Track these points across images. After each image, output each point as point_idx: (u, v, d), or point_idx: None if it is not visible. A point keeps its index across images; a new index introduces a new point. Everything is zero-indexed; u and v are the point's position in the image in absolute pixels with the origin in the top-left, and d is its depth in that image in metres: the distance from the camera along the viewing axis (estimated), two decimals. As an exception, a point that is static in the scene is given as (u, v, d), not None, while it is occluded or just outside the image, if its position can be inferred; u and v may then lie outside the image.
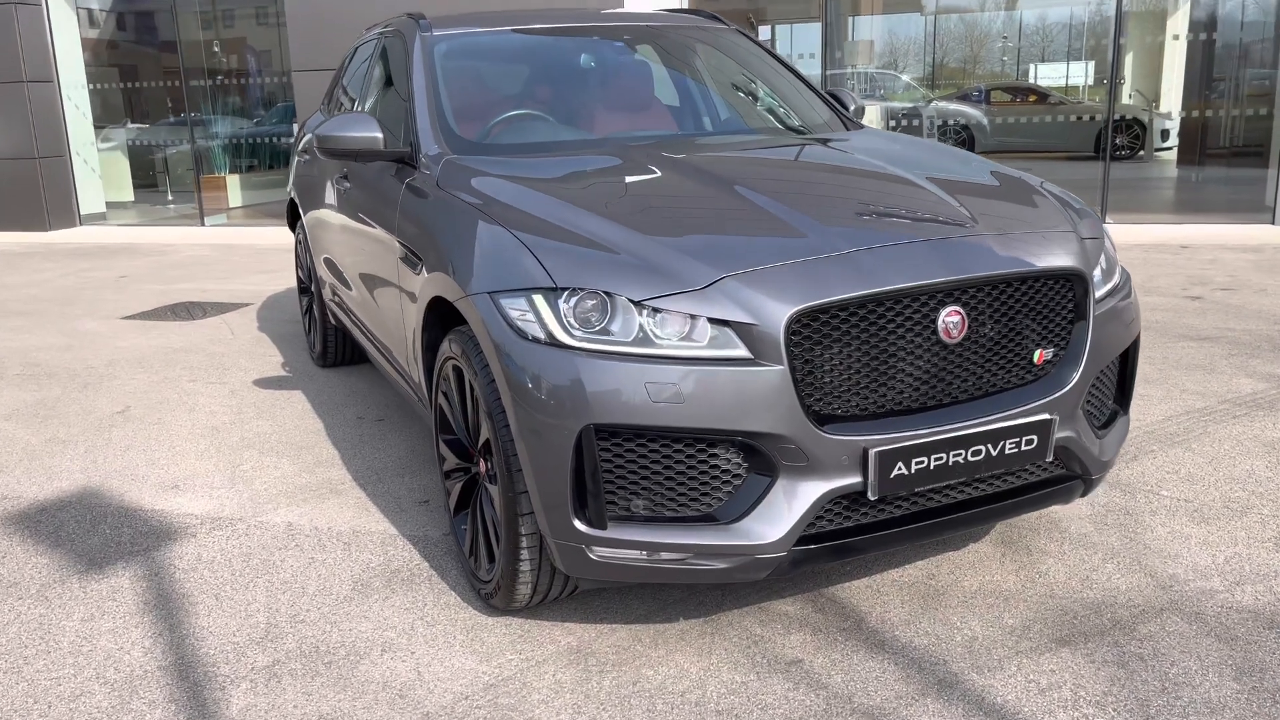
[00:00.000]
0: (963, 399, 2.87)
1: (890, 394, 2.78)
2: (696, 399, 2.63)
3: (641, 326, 2.67)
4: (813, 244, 2.81)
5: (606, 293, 2.70)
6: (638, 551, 2.76)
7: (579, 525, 2.75)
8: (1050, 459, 2.97)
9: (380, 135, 3.89)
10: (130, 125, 15.94)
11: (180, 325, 7.56)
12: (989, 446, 2.84)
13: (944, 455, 2.78)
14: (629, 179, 3.49)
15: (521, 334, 2.76)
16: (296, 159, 6.41)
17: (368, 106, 5.09)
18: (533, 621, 3.20)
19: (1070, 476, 3.12)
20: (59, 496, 4.36)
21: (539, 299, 2.75)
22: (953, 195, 3.18)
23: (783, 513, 2.72)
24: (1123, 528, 3.68)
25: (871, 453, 2.69)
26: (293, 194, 6.30)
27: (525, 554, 2.99)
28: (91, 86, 14.33)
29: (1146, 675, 2.82)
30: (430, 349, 3.55)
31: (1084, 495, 3.21)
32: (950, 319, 2.77)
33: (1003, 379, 2.93)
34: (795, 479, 2.71)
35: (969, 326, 2.82)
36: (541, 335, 2.73)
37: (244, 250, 11.32)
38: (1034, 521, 3.74)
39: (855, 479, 2.73)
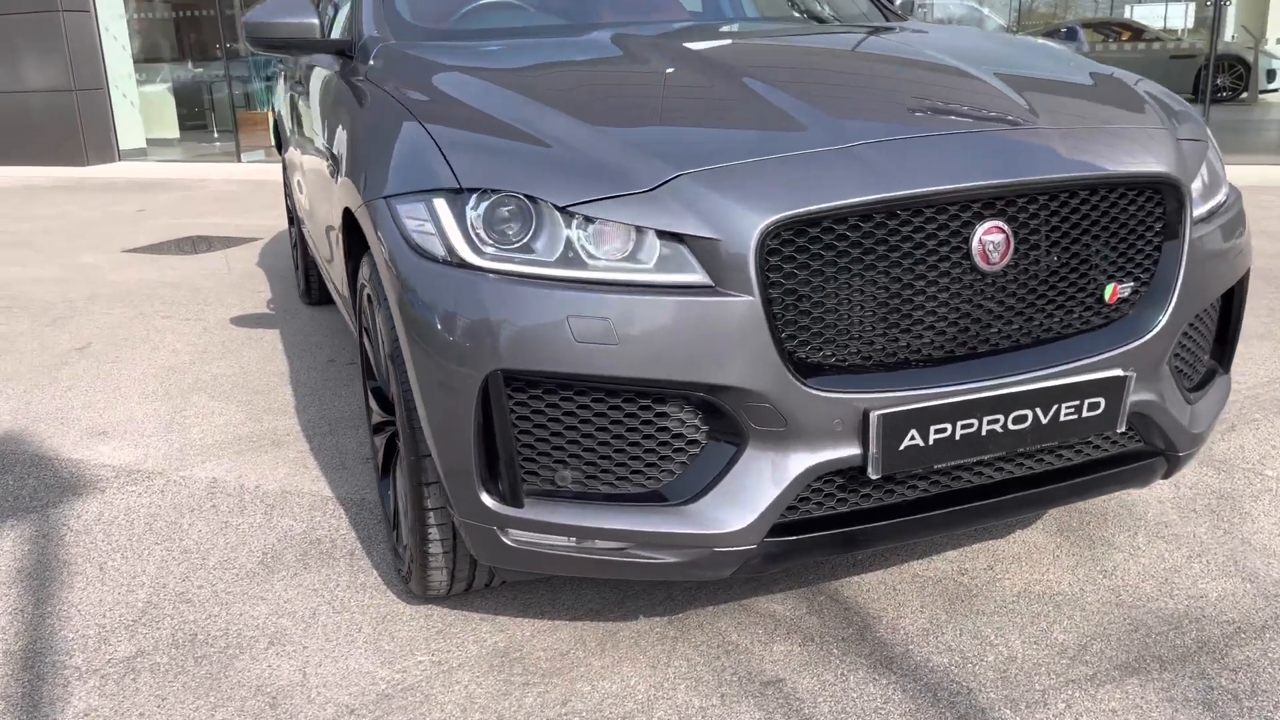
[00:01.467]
0: (1005, 347, 2.15)
1: (904, 338, 2.07)
2: (636, 340, 1.95)
3: (569, 242, 2.00)
4: (812, 136, 2.10)
5: (526, 196, 2.03)
6: (564, 538, 2.11)
7: (488, 501, 2.11)
8: (1122, 429, 2.23)
9: (315, 21, 3.24)
10: (176, 62, 15.57)
11: (180, 259, 7.07)
12: (1038, 411, 2.12)
13: (974, 421, 2.07)
14: (610, 67, 2.79)
15: (419, 250, 2.11)
16: (281, 71, 5.81)
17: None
18: (458, 613, 2.59)
19: (1149, 452, 2.39)
20: (-25, 441, 3.86)
21: (440, 204, 2.09)
22: (1013, 87, 2.42)
23: (752, 493, 2.04)
24: (1216, 516, 2.93)
25: (874, 416, 1.99)
26: (277, 113, 5.71)
27: (435, 533, 2.36)
28: (131, 17, 13.92)
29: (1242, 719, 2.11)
30: (353, 277, 2.92)
31: (1167, 477, 2.47)
32: (990, 238, 2.05)
33: (1061, 321, 2.20)
34: (770, 449, 2.03)
35: (1015, 249, 2.09)
36: (441, 252, 2.07)
37: (274, 186, 10.82)
38: (1101, 505, 3.00)
39: (852, 450, 2.04)
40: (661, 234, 1.97)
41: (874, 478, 2.05)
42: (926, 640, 2.40)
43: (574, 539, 2.10)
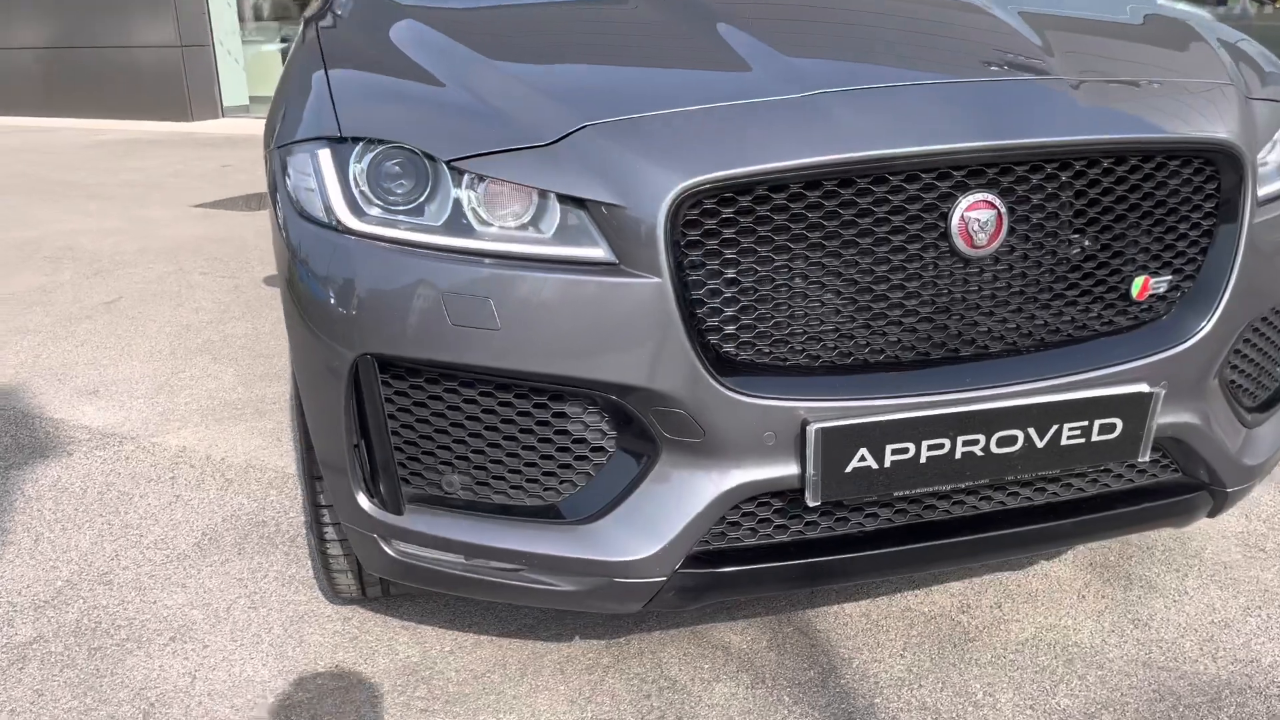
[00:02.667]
0: (996, 351, 1.74)
1: (861, 335, 1.68)
2: (520, 326, 1.61)
3: (458, 204, 1.67)
4: (758, 83, 1.72)
5: (414, 150, 1.70)
6: (451, 554, 1.80)
7: (366, 505, 1.81)
8: (1146, 458, 1.80)
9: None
10: (282, 20, 15.71)
11: (241, 215, 6.99)
12: (1032, 432, 1.71)
13: (945, 442, 1.67)
14: (574, 5, 2.42)
15: (300, 210, 1.80)
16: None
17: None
18: (379, 618, 2.31)
19: (1188, 485, 1.94)
20: (-31, 394, 3.76)
21: (325, 156, 1.77)
22: (1036, 28, 1.98)
23: (663, 515, 1.69)
24: (1288, 559, 2.45)
25: (812, 430, 1.61)
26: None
27: (331, 533, 2.09)
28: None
29: (1275, 836, 1.68)
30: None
31: (1213, 515, 2.02)
32: (975, 214, 1.64)
33: (1073, 321, 1.77)
34: (686, 464, 1.67)
35: (1010, 229, 1.68)
36: (320, 212, 1.76)
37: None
38: (1148, 536, 2.55)
39: (788, 470, 1.67)
40: (563, 198, 1.63)
41: (812, 504, 1.67)
42: (899, 693, 2.02)
43: (463, 556, 1.79)
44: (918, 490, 1.71)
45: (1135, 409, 1.74)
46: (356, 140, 1.74)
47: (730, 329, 1.63)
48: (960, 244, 1.64)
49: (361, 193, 1.72)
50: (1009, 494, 1.84)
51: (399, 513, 1.79)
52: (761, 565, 1.75)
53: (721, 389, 1.61)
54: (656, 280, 1.57)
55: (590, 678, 2.09)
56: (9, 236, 6.40)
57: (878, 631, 2.20)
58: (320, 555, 2.15)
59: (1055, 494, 1.86)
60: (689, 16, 2.01)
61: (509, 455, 1.73)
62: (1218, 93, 1.84)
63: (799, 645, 2.16)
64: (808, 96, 1.66)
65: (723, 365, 1.63)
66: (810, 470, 1.64)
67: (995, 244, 1.66)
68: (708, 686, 2.05)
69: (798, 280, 1.63)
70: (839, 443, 1.63)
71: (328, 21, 2.30)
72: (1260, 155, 1.88)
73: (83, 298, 5.00)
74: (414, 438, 1.75)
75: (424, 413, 1.73)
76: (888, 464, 1.66)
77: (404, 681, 2.10)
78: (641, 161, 1.58)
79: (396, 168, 1.72)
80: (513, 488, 1.75)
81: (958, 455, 1.69)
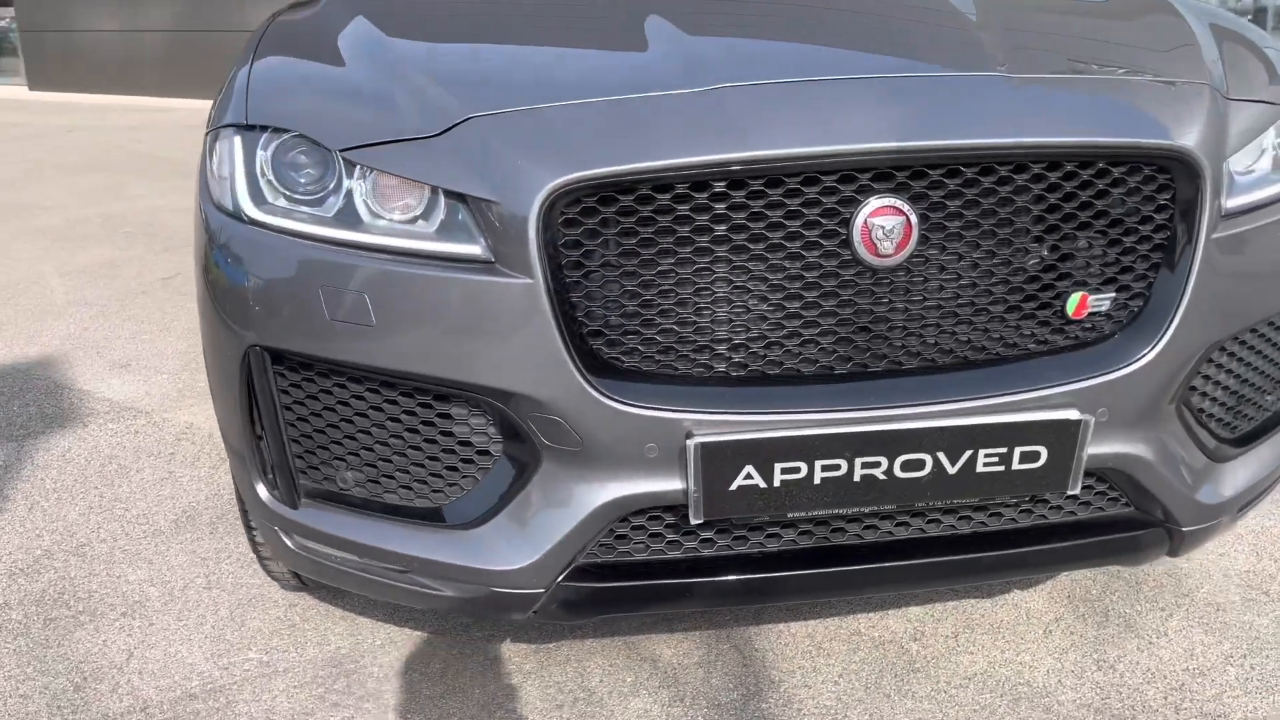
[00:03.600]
0: (910, 367, 1.62)
1: (754, 346, 1.58)
2: (394, 323, 1.57)
3: (350, 195, 1.64)
4: (658, 75, 1.63)
5: (314, 140, 1.67)
6: (344, 552, 1.77)
7: (264, 496, 1.80)
8: (1076, 491, 1.65)
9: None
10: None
11: (318, 195, 7.15)
12: (941, 457, 1.58)
13: (842, 463, 1.56)
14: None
15: (212, 198, 1.79)
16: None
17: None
18: (322, 606, 2.31)
19: (1142, 521, 1.78)
20: (14, 362, 3.92)
21: (237, 143, 1.76)
22: (988, 16, 1.84)
23: (542, 525, 1.63)
24: (1291, 604, 2.24)
25: (691, 444, 1.53)
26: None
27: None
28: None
29: None
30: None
31: (1174, 555, 1.85)
32: (880, 220, 1.52)
33: (999, 339, 1.64)
34: (566, 473, 1.60)
35: (922, 236, 1.55)
36: (228, 200, 1.75)
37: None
38: (1140, 569, 2.36)
39: (672, 484, 1.58)
40: (448, 193, 1.57)
41: (695, 522, 1.58)
42: (821, 723, 1.91)
43: (355, 555, 1.76)
44: (816, 513, 1.61)
45: (1062, 437, 1.59)
46: (264, 129, 1.72)
47: (613, 334, 1.56)
48: (864, 252, 1.53)
49: (268, 181, 1.69)
50: (930, 521, 1.71)
51: (294, 507, 1.77)
52: (652, 582, 1.67)
53: (599, 397, 1.53)
54: (528, 281, 1.50)
55: (509, 683, 2.04)
56: (99, 211, 6.69)
57: (818, 655, 2.10)
58: (250, 542, 2.15)
59: (983, 523, 1.73)
60: (621, 6, 1.92)
61: (396, 455, 1.69)
62: (1183, 91, 1.67)
63: (730, 664, 2.07)
64: (703, 92, 1.56)
65: (604, 371, 1.55)
66: (692, 486, 1.55)
67: (904, 253, 1.54)
68: (623, 701, 1.98)
69: (685, 286, 1.54)
70: (721, 459, 1.54)
71: (289, 13, 2.29)
72: (1238, 161, 1.71)
73: (145, 273, 5.17)
74: (309, 431, 1.72)
75: (316, 407, 1.70)
76: (777, 484, 1.56)
77: (326, 673, 2.09)
78: (518, 156, 1.51)
79: (303, 157, 1.69)
80: (401, 488, 1.71)
81: (857, 478, 1.58)
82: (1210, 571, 2.35)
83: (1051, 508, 1.75)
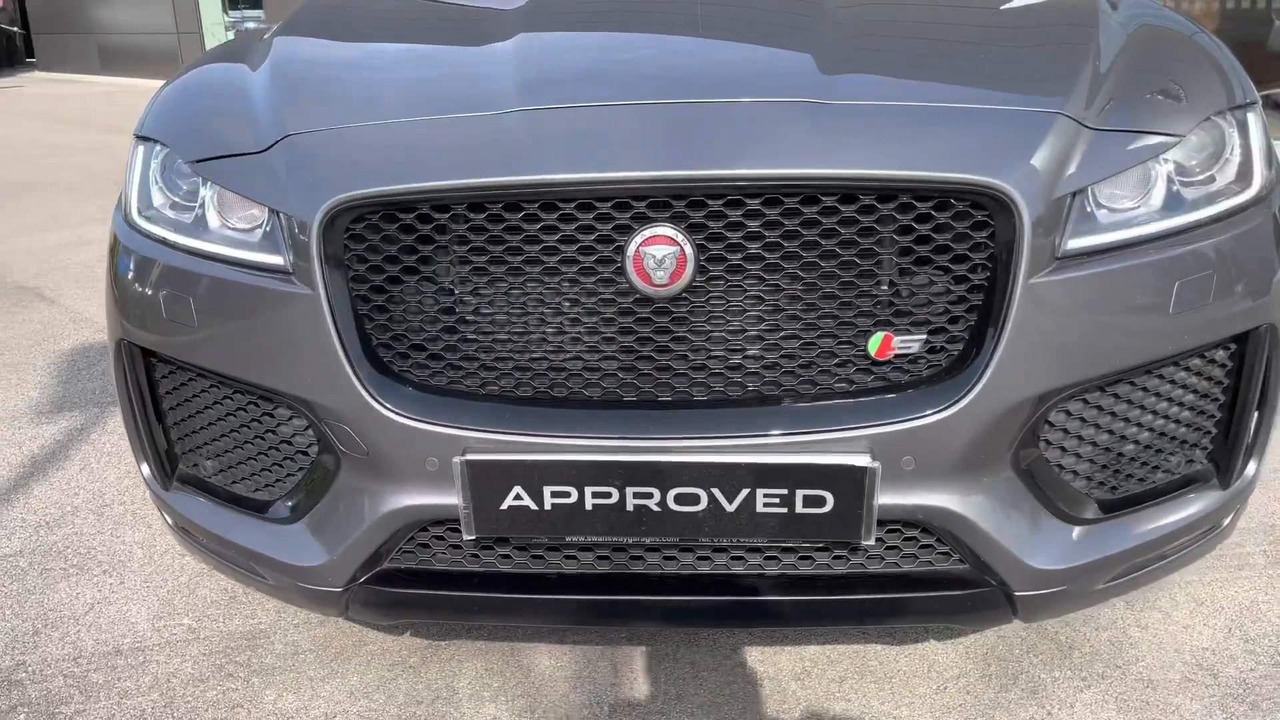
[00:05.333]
0: (699, 400, 1.58)
1: (536, 368, 1.59)
2: (209, 326, 1.69)
3: (203, 204, 1.76)
4: (477, 94, 1.66)
5: (175, 152, 1.82)
6: (199, 535, 1.91)
7: (145, 473, 1.96)
8: (870, 540, 1.56)
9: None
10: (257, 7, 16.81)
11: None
12: (717, 494, 1.54)
13: (613, 491, 1.55)
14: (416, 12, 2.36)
15: (121, 198, 1.98)
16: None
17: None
18: (264, 583, 2.47)
19: (977, 581, 1.66)
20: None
21: (139, 152, 1.93)
22: (839, 34, 1.76)
23: (338, 527, 1.70)
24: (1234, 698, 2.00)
25: (457, 462, 1.56)
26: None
27: (178, 497, 2.26)
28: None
29: None
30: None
31: (1027, 621, 1.72)
32: (652, 250, 1.50)
33: (795, 376, 1.57)
34: (360, 479, 1.67)
35: (700, 267, 1.51)
36: (126, 203, 1.92)
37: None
38: (1080, 632, 2.17)
39: (449, 498, 1.62)
40: (273, 206, 1.67)
41: (467, 538, 1.61)
42: (655, 751, 1.89)
43: (205, 539, 1.89)
44: (593, 538, 1.60)
45: (848, 484, 1.51)
46: (155, 141, 1.87)
47: (399, 348, 1.61)
48: (637, 281, 1.51)
49: (159, 188, 1.85)
50: (735, 559, 1.66)
51: (165, 489, 1.92)
52: (445, 593, 1.71)
53: (380, 408, 1.59)
54: (311, 293, 1.58)
55: (385, 675, 2.12)
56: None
57: (692, 682, 2.06)
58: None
59: (794, 567, 1.66)
60: (495, 25, 1.95)
61: (235, 449, 1.81)
62: (1019, 120, 1.54)
63: (599, 682, 2.07)
64: (497, 115, 1.58)
65: (391, 384, 1.60)
66: (462, 503, 1.58)
67: (680, 284, 1.50)
68: (479, 706, 2.02)
69: (465, 305, 1.58)
70: (490, 478, 1.56)
71: (229, 41, 2.43)
72: (1111, 197, 1.57)
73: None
74: (179, 419, 1.87)
75: (173, 400, 1.85)
76: (548, 506, 1.57)
77: (237, 645, 2.24)
78: (311, 173, 1.59)
79: (185, 168, 1.83)
80: (241, 480, 1.83)
81: (629, 507, 1.56)
82: (1163, 643, 2.14)
83: (870, 557, 1.65)
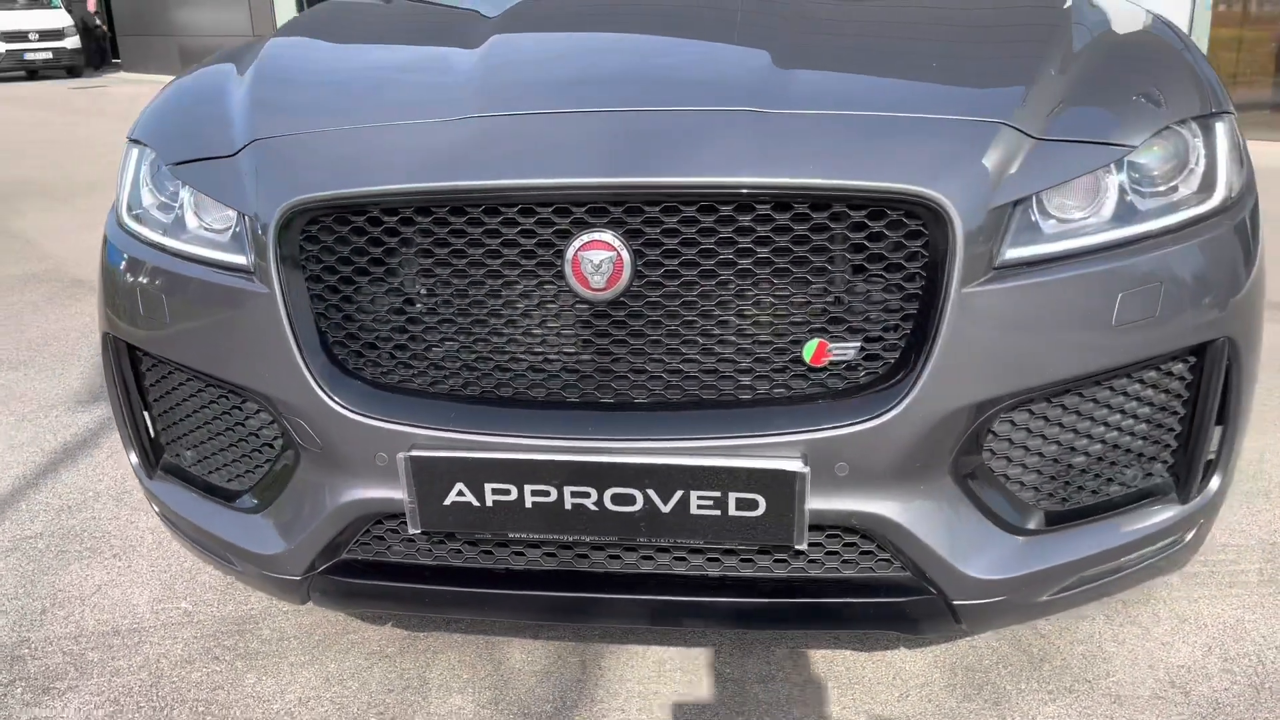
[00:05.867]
0: (641, 402, 1.61)
1: (482, 368, 1.64)
2: (177, 322, 1.77)
3: (182, 204, 1.84)
4: (443, 100, 1.71)
5: (158, 155, 1.90)
6: (177, 524, 1.99)
7: (133, 460, 2.05)
8: (803, 545, 1.58)
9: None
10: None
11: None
12: (652, 495, 1.57)
13: (551, 490, 1.59)
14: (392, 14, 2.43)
15: (115, 200, 2.07)
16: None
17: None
18: (261, 571, 2.56)
19: (915, 588, 1.67)
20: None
21: (133, 155, 2.02)
22: (799, 43, 1.79)
23: (296, 517, 1.77)
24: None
25: (401, 458, 1.61)
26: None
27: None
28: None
29: None
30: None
31: (974, 631, 1.72)
32: (590, 254, 1.53)
33: (733, 381, 1.59)
34: (317, 472, 1.73)
35: (638, 272, 1.54)
36: (118, 203, 2.01)
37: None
38: (1054, 644, 2.15)
39: (397, 493, 1.67)
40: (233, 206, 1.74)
41: (413, 532, 1.66)
42: (609, 747, 1.92)
43: (179, 527, 1.97)
44: (535, 535, 1.64)
45: (779, 488, 1.53)
46: (143, 143, 1.96)
47: (353, 346, 1.66)
48: (576, 284, 1.54)
49: (148, 189, 1.93)
50: (677, 559, 1.69)
51: (150, 477, 2.00)
52: (400, 584, 1.76)
53: (331, 404, 1.64)
54: (266, 291, 1.64)
55: (361, 663, 2.19)
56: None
57: (656, 681, 2.09)
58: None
59: (736, 569, 1.68)
60: (474, 32, 2.00)
61: (209, 440, 1.88)
62: (958, 130, 1.55)
63: (565, 677, 2.11)
64: (450, 121, 1.63)
65: (344, 381, 1.66)
66: (407, 498, 1.63)
67: (617, 288, 1.54)
68: (447, 696, 2.07)
69: (416, 306, 1.63)
70: (433, 474, 1.60)
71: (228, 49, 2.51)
72: (1060, 207, 1.57)
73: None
74: (163, 410, 1.95)
75: (158, 391, 1.93)
76: (489, 503, 1.61)
77: (227, 630, 2.33)
78: (272, 177, 1.65)
79: (169, 169, 1.91)
80: (215, 471, 1.91)
81: (568, 506, 1.59)
82: (1138, 658, 2.11)
83: (811, 562, 1.67)
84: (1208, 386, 1.68)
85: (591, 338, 1.59)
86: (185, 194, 1.82)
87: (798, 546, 1.57)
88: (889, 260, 1.52)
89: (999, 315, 1.52)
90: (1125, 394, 1.67)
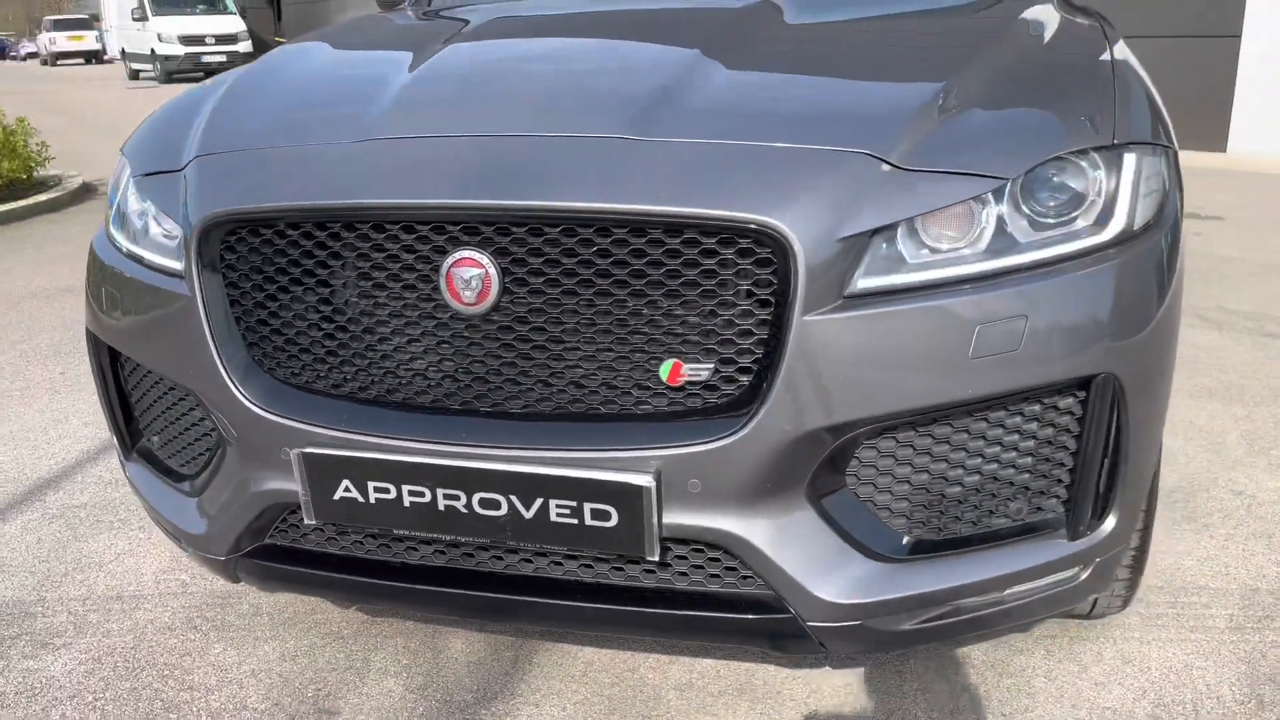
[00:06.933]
0: (515, 412, 1.70)
1: (374, 373, 1.75)
2: (125, 316, 1.96)
3: (148, 214, 2.03)
4: (339, 127, 1.84)
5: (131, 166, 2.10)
6: (146, 507, 2.18)
7: (115, 440, 2.25)
8: (654, 556, 1.64)
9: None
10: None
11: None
12: (515, 501, 1.66)
13: (426, 491, 1.69)
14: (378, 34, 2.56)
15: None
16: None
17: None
18: (258, 551, 2.75)
19: (772, 606, 1.70)
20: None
21: (120, 166, 2.22)
22: (699, 72, 1.84)
23: (220, 501, 1.93)
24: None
25: (294, 454, 1.74)
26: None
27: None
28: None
29: None
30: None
31: (837, 661, 1.74)
32: (462, 271, 1.63)
33: (597, 395, 1.66)
34: (239, 460, 1.88)
35: (506, 289, 1.63)
36: (111, 207, 2.22)
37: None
38: (983, 676, 2.12)
39: (296, 486, 1.80)
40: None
41: (309, 523, 1.79)
42: (513, 739, 2.01)
43: (147, 507, 2.16)
44: (415, 533, 1.74)
45: (628, 502, 1.60)
46: (126, 157, 2.16)
47: (266, 348, 1.81)
48: (450, 299, 1.64)
49: (134, 195, 2.13)
50: (554, 563, 1.77)
51: (128, 458, 2.20)
52: (311, 571, 1.89)
53: (242, 399, 1.79)
54: (188, 295, 1.80)
55: (318, 642, 2.34)
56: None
57: (578, 681, 2.16)
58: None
59: (608, 577, 1.75)
60: (421, 54, 2.12)
61: (165, 428, 2.07)
62: (815, 160, 1.57)
63: (495, 670, 2.21)
64: (347, 144, 1.76)
65: (255, 380, 1.80)
66: (302, 491, 1.76)
67: (487, 303, 1.63)
68: (382, 679, 2.21)
69: (315, 313, 1.76)
70: (322, 470, 1.73)
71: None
72: (936, 236, 1.58)
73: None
74: (138, 397, 2.15)
75: (130, 382, 2.12)
76: (372, 500, 1.72)
77: (210, 602, 2.52)
78: (201, 192, 1.81)
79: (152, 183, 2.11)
80: (171, 456, 2.09)
81: (441, 507, 1.69)
82: (1064, 696, 2.06)
83: (680, 574, 1.72)
84: (1092, 424, 1.65)
85: (466, 349, 1.68)
86: (149, 204, 2.00)
87: (649, 558, 1.63)
88: (738, 286, 1.56)
89: (844, 343, 1.54)
90: (1003, 427, 1.66)
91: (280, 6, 25.77)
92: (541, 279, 1.61)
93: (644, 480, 1.58)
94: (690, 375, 1.60)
